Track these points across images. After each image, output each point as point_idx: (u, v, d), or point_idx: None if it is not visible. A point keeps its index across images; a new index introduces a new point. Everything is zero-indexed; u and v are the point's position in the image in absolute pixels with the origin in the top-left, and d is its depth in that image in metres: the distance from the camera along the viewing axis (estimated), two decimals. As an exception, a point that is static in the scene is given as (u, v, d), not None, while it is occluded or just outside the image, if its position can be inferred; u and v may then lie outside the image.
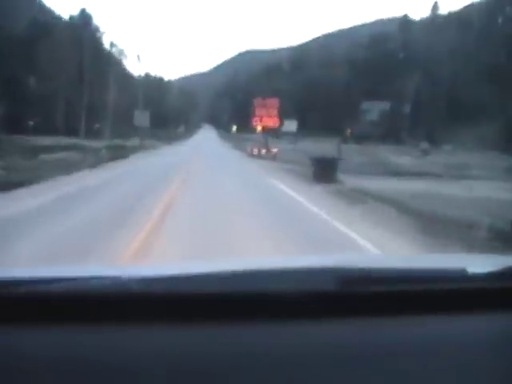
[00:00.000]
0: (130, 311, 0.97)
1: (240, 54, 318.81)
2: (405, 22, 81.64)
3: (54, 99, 46.32)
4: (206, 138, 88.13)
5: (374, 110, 71.95)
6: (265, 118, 39.69)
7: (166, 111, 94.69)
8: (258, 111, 39.90)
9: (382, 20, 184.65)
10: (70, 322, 0.96)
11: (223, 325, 0.98)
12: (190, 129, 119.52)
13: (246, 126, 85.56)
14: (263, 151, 33.86)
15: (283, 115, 43.93)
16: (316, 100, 77.14)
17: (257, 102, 40.60)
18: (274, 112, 39.90)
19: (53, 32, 47.49)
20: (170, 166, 22.01)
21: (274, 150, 33.29)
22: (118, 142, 40.28)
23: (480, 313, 1.08)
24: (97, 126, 49.41)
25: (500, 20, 64.87)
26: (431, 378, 0.94)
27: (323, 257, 1.60)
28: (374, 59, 75.78)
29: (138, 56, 42.29)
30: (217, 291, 1.02)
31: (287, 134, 49.15)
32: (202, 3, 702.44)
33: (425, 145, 42.05)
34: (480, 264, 1.25)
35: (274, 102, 40.69)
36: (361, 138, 61.97)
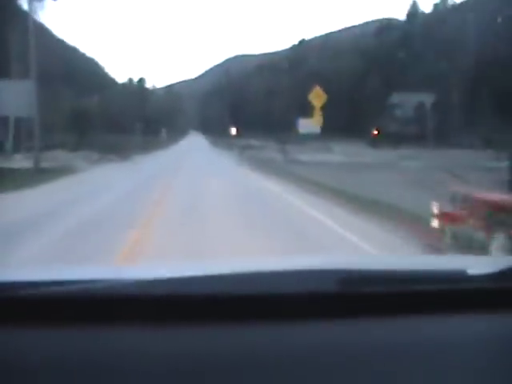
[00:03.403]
0: (130, 313, 0.98)
1: (228, 60, 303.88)
2: (413, 10, 74.66)
3: None
4: (194, 147, 65.88)
5: (407, 103, 58.08)
6: None
7: (143, 116, 79.09)
8: None
9: (370, 21, 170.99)
10: (70, 325, 0.96)
11: (223, 327, 0.99)
12: (175, 135, 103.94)
13: (244, 128, 69.94)
14: None
15: (286, 115, 31.86)
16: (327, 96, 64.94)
17: None
18: None
19: None
20: None
21: None
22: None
23: (480, 313, 1.08)
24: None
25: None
26: (431, 378, 0.94)
27: (323, 257, 1.43)
28: (385, 48, 68.07)
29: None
30: (216, 293, 1.02)
31: (306, 136, 33.96)
32: (188, 9, 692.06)
33: None
34: (480, 265, 1.22)
35: None
36: (393, 140, 49.85)
